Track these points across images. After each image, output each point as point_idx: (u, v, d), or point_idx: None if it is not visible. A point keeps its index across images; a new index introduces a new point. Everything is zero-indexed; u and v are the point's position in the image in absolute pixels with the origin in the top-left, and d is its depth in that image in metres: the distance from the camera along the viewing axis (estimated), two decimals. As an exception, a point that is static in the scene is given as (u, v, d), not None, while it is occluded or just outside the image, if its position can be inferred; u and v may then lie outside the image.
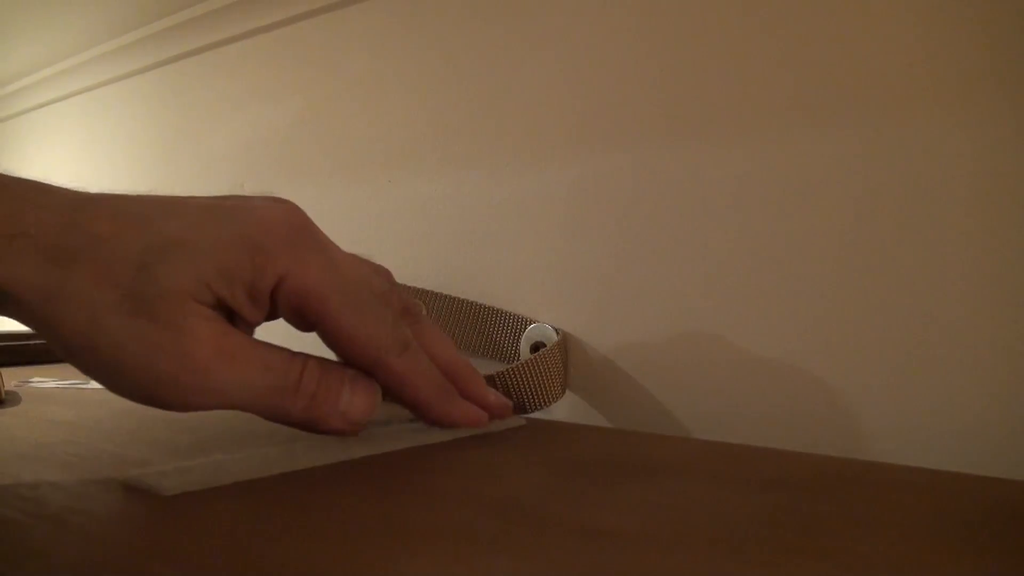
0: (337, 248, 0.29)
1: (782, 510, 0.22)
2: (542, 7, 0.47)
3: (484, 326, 0.49)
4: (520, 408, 0.42)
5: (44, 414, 0.38)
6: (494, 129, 0.50)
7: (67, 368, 0.28)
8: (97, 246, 0.23)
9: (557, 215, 0.46)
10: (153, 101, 0.78)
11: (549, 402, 0.43)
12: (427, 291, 0.51)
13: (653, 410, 0.43)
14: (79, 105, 0.87)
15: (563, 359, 0.45)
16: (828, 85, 0.37)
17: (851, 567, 0.17)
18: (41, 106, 0.93)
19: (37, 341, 0.59)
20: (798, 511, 0.21)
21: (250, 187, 0.66)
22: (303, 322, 0.27)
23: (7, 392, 0.44)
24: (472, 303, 0.49)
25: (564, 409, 0.45)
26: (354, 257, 0.30)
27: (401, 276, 0.52)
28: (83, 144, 0.88)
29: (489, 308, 0.49)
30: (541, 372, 0.42)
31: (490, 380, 0.42)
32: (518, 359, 0.46)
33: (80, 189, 0.25)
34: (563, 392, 0.45)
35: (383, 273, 0.32)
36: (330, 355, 0.28)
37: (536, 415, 0.42)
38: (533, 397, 0.42)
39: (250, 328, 0.27)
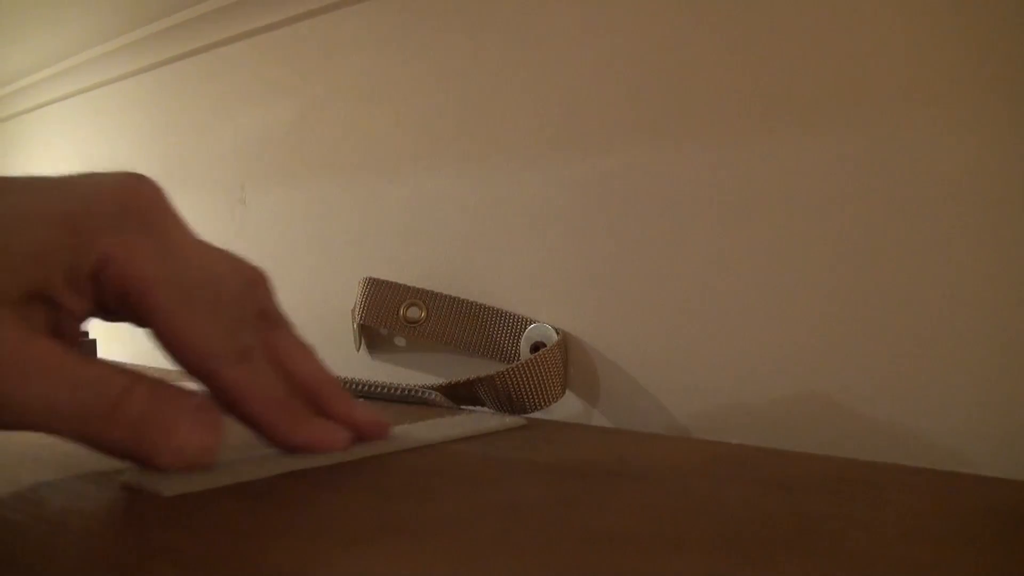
0: (188, 235, 0.25)
1: (782, 510, 0.22)
2: (543, 7, 0.47)
3: (484, 326, 0.49)
4: (520, 408, 0.42)
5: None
6: (494, 129, 0.50)
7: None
8: None
9: (557, 215, 0.46)
10: (153, 101, 0.78)
11: (549, 402, 0.43)
12: (427, 291, 0.51)
13: (653, 410, 0.43)
14: (79, 105, 0.87)
15: (563, 359, 0.45)
16: (828, 85, 0.37)
17: (851, 567, 0.17)
18: (41, 106, 0.93)
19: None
20: (798, 511, 0.21)
21: (250, 187, 0.66)
22: (136, 317, 0.24)
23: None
24: (472, 303, 0.49)
25: (564, 409, 0.45)
26: (211, 249, 0.25)
27: (401, 276, 0.53)
28: (83, 144, 0.88)
29: (489, 308, 0.49)
30: (541, 372, 0.42)
31: (490, 380, 0.42)
32: (518, 359, 0.46)
33: None
34: (563, 392, 0.45)
35: (247, 273, 0.27)
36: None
37: (536, 415, 0.42)
38: (533, 397, 0.42)
39: (78, 322, 0.24)
